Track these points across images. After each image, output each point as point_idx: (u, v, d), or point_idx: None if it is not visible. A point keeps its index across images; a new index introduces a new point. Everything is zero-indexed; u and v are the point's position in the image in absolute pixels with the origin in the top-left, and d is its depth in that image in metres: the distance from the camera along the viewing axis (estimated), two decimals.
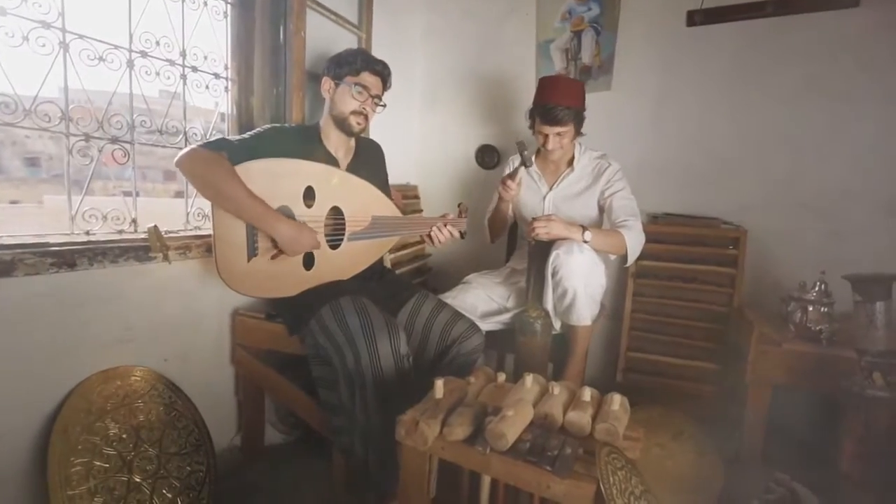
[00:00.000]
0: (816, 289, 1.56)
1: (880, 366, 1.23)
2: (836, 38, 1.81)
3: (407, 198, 2.43)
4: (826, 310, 1.54)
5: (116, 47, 1.41)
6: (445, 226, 1.50)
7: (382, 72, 1.48)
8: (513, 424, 0.90)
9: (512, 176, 1.64)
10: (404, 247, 2.25)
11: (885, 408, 1.22)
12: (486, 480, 0.98)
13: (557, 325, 1.62)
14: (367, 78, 1.44)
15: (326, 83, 1.47)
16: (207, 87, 1.68)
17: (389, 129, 2.35)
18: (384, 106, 1.52)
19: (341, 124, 1.45)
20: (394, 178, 2.33)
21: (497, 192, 1.76)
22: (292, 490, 1.52)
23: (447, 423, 0.93)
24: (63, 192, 1.34)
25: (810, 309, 1.55)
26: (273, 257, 1.29)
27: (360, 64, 1.43)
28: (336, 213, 1.40)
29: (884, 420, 1.23)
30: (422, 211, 2.50)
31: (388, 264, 2.06)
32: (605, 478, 0.84)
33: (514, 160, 1.93)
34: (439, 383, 1.03)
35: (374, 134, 2.14)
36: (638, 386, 2.01)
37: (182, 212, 1.62)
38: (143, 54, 1.47)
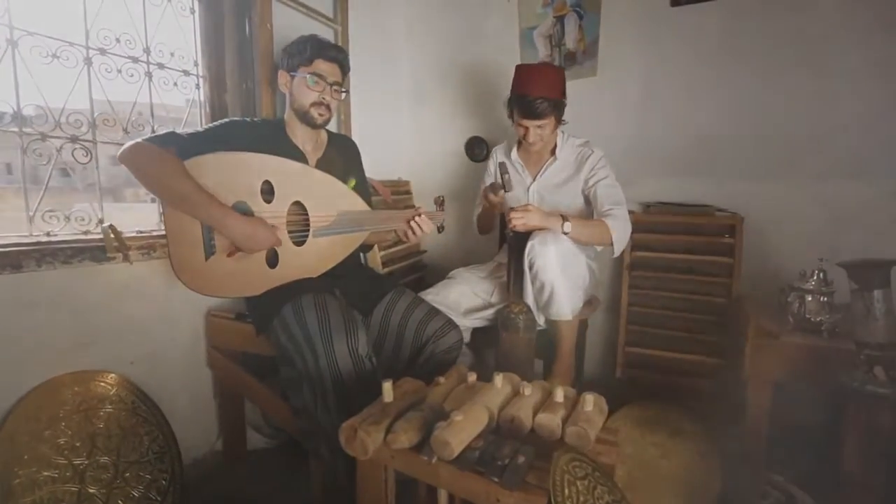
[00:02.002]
0: (815, 278, 1.45)
1: (881, 360, 1.13)
2: (827, 14, 1.70)
3: (398, 193, 2.36)
4: (826, 300, 1.44)
5: (71, 44, 1.37)
6: (418, 219, 1.41)
7: (337, 57, 1.39)
8: (460, 431, 0.83)
9: (494, 190, 1.55)
10: (396, 243, 2.19)
11: (887, 405, 1.12)
12: (442, 492, 0.91)
13: (541, 320, 1.55)
14: (322, 66, 1.36)
15: (282, 77, 1.40)
16: (176, 84, 1.64)
17: (378, 124, 2.30)
18: (346, 92, 1.44)
19: (304, 117, 1.39)
20: (385, 173, 2.29)
21: (482, 195, 1.69)
22: (271, 496, 1.48)
23: (391, 430, 0.86)
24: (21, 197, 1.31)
25: (809, 299, 1.45)
26: (230, 255, 1.23)
27: (310, 52, 1.35)
28: (299, 208, 1.34)
29: (886, 418, 1.13)
30: (414, 206, 2.43)
31: (377, 262, 2.00)
32: (559, 489, 0.76)
33: (496, 154, 1.85)
34: (387, 385, 0.97)
35: (363, 129, 2.10)
36: (638, 382, 1.92)
37: (154, 213, 1.59)
38: (102, 51, 1.43)
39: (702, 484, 1.45)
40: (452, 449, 0.80)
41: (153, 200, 1.59)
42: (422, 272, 2.46)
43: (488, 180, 1.86)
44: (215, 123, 1.33)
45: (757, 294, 1.79)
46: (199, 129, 1.29)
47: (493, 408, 1.00)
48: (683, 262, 1.91)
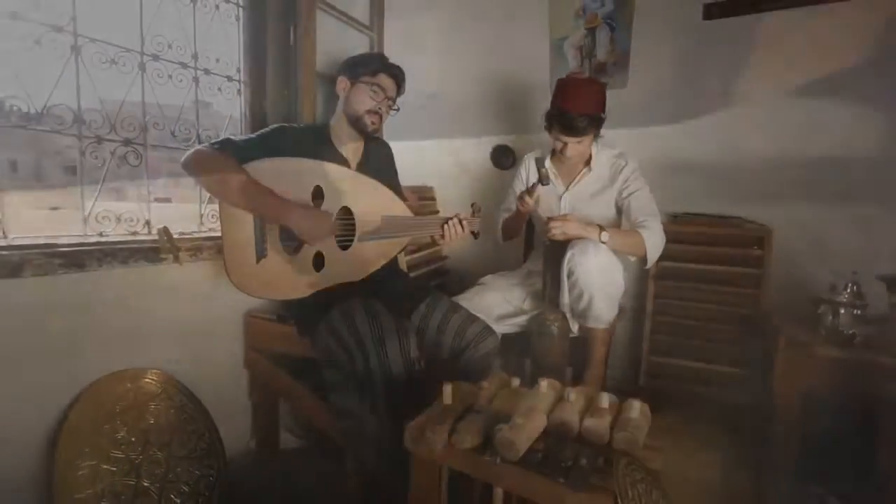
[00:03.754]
0: (848, 290, 1.48)
1: None
2: (859, 30, 1.73)
3: (423, 199, 2.40)
4: (859, 312, 1.46)
5: (128, 50, 1.42)
6: (455, 222, 1.45)
7: (398, 75, 1.49)
8: (524, 433, 0.86)
9: (530, 192, 1.57)
10: (419, 249, 2.22)
11: None
12: (498, 492, 0.93)
13: (575, 327, 1.57)
14: (384, 80, 1.45)
15: (342, 82, 1.47)
16: (220, 89, 1.68)
17: (404, 130, 2.33)
18: (397, 109, 1.52)
19: (355, 123, 1.44)
20: (409, 179, 2.32)
21: (513, 200, 1.71)
22: (306, 497, 1.50)
23: (455, 431, 0.89)
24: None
25: (842, 311, 1.47)
26: (296, 250, 1.28)
27: (377, 65, 1.46)
28: (346, 213, 1.38)
29: None
30: (438, 212, 2.47)
31: (403, 267, 2.03)
32: (624, 491, 0.79)
33: (529, 162, 1.88)
34: (447, 388, 1.00)
35: (389, 136, 2.13)
36: (661, 391, 1.94)
37: (196, 215, 1.63)
38: (155, 57, 1.48)
39: (735, 494, 1.47)
40: (518, 450, 0.83)
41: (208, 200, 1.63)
42: (443, 278, 2.49)
43: (518, 186, 1.89)
44: (266, 130, 1.37)
45: (785, 306, 1.81)
46: (252, 135, 1.33)
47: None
48: (711, 272, 1.93)
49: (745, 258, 1.88)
